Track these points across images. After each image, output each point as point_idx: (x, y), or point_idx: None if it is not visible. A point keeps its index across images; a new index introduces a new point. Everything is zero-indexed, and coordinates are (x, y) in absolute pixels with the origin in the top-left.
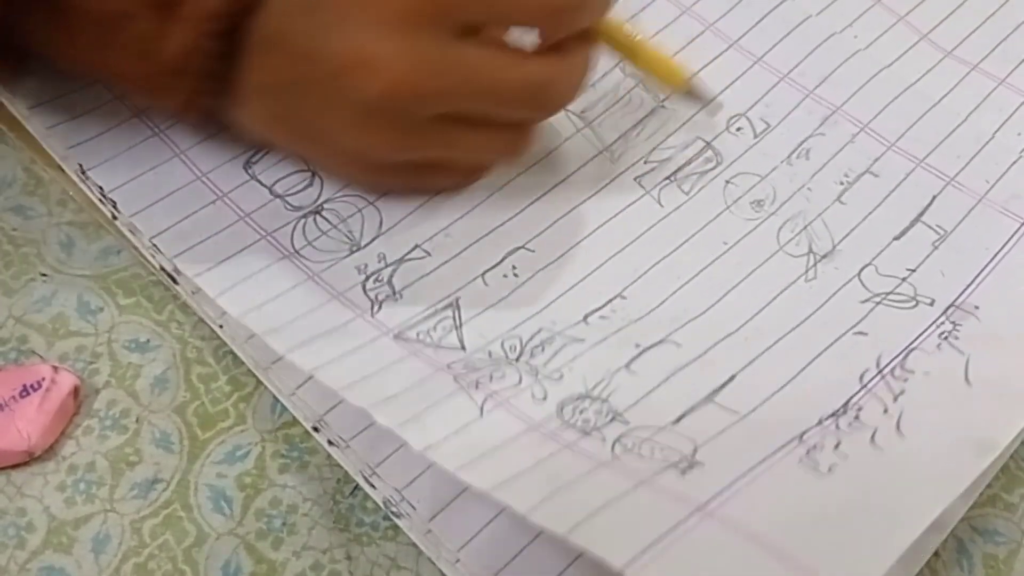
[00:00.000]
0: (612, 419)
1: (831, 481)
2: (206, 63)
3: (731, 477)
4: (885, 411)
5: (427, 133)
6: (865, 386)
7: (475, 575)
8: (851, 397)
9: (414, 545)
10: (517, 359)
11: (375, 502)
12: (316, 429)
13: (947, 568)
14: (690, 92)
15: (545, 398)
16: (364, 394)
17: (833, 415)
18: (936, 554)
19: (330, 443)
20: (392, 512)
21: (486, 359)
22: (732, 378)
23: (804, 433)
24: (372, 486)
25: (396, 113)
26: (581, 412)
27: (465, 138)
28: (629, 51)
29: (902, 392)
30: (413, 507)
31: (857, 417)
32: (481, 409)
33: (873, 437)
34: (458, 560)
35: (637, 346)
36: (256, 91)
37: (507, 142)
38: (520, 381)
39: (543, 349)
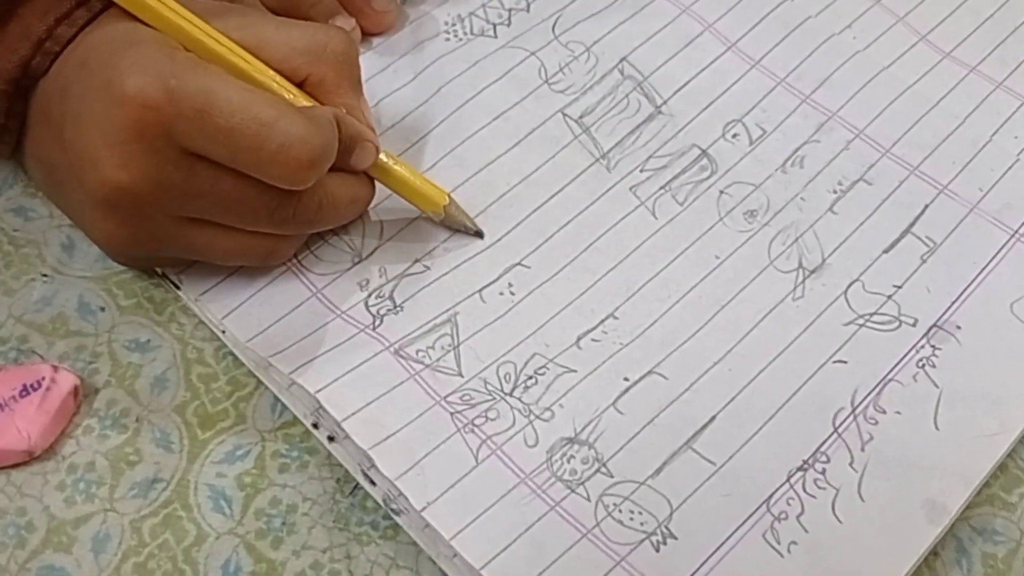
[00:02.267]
0: (597, 470)
1: (790, 562)
2: None
3: (702, 556)
4: (851, 463)
5: (165, 232)
6: (836, 430)
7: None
8: (821, 444)
9: (414, 544)
10: (511, 392)
11: (375, 501)
12: (316, 425)
13: (946, 567)
14: (448, 218)
15: (536, 444)
16: (367, 431)
17: (801, 469)
18: (935, 553)
19: (330, 439)
20: (392, 509)
21: (482, 390)
22: (712, 419)
23: (772, 496)
24: (372, 482)
25: (127, 209)
26: (569, 461)
27: (208, 241)
28: (383, 175)
29: (870, 439)
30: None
31: (823, 473)
32: (476, 457)
33: (834, 505)
34: (455, 555)
35: (626, 380)
36: (30, 157)
37: (259, 249)
38: (513, 423)
39: (536, 381)
